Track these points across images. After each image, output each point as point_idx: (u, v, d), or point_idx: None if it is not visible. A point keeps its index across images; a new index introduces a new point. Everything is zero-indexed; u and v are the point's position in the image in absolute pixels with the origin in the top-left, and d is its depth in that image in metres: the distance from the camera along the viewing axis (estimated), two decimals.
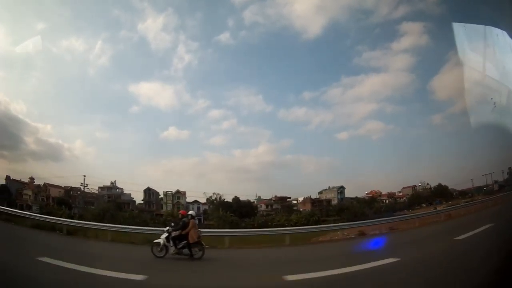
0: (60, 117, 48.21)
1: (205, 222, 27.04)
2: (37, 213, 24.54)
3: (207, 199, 33.72)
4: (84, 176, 29.67)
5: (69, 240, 14.19)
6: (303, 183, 43.40)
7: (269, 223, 24.15)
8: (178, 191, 30.01)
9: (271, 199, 34.69)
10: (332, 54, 44.83)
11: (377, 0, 41.40)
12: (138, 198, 34.08)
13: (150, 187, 32.95)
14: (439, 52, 35.86)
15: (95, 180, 37.43)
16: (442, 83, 38.90)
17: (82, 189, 30.61)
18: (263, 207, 32.02)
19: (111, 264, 8.28)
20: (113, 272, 6.90)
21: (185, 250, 9.51)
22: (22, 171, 39.75)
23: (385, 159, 42.58)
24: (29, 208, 31.50)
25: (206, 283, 7.09)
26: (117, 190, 34.90)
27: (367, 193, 38.13)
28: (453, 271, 6.44)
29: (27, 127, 40.98)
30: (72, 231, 15.58)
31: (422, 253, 8.88)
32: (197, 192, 32.98)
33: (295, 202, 34.20)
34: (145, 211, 29.29)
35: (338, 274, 6.72)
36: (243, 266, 9.78)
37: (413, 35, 42.09)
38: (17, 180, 35.04)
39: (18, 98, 44.99)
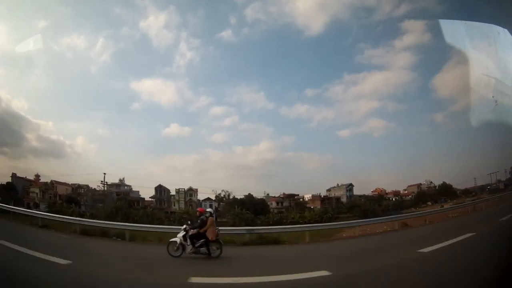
0: (62, 114, 48.22)
1: (217, 220, 26.95)
2: (46, 212, 24.17)
3: (216, 196, 33.83)
4: (104, 174, 29.27)
5: (90, 241, 13.62)
6: (305, 180, 43.93)
7: (284, 220, 24.25)
8: (190, 188, 29.95)
9: (279, 196, 34.92)
10: (334, 52, 45.40)
11: None
12: (144, 195, 34.32)
13: (150, 184, 33.18)
14: (441, 50, 36.11)
15: (98, 177, 37.56)
16: (444, 81, 39.54)
17: (103, 187, 30.14)
18: (274, 204, 32.19)
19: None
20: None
21: (203, 249, 9.20)
22: (23, 168, 39.45)
23: (387, 157, 43.48)
24: (36, 206, 31.12)
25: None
26: (126, 187, 34.75)
27: (372, 191, 38.74)
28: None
29: (28, 124, 40.93)
30: (85, 231, 15.06)
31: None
32: (199, 188, 33.23)
33: (301, 199, 34.43)
34: (156, 208, 29.12)
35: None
36: (264, 263, 9.27)
37: (415, 33, 43.11)
38: (22, 178, 34.71)
39: (19, 96, 44.78)
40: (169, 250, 9.25)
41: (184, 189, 29.69)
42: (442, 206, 28.19)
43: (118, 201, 28.50)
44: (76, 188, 34.99)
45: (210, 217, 9.49)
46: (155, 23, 48.03)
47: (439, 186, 37.68)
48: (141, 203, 31.68)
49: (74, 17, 44.47)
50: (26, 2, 40.18)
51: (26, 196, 32.46)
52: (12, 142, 38.21)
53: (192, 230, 9.34)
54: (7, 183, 33.01)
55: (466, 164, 43.31)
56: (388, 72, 43.59)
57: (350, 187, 34.59)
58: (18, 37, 38.44)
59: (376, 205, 30.90)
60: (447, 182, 37.74)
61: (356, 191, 36.41)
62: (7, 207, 19.99)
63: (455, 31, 11.56)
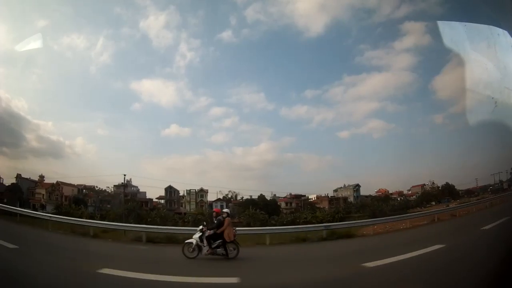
0: (62, 115, 48.10)
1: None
2: (53, 214, 23.80)
3: (223, 197, 33.84)
4: (125, 175, 28.96)
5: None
6: (305, 181, 44.12)
7: (297, 220, 24.44)
8: (201, 189, 29.89)
9: (286, 197, 35.13)
10: (334, 53, 45.55)
11: None
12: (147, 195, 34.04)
13: (149, 184, 33.04)
14: (441, 52, 36.50)
15: (97, 177, 37.36)
16: (443, 82, 40.08)
17: (124, 188, 29.81)
18: (283, 204, 32.36)
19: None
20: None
21: (219, 250, 9.08)
22: (23, 168, 39.11)
23: (387, 158, 43.54)
24: (43, 208, 30.64)
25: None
26: (133, 188, 34.48)
27: (376, 191, 39.27)
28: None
29: (28, 124, 40.67)
30: (99, 233, 14.98)
31: None
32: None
33: (310, 200, 34.70)
34: (166, 209, 28.99)
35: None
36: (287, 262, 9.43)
37: (415, 34, 43.12)
38: (26, 178, 34.14)
39: (19, 95, 44.22)
40: (184, 251, 9.11)
41: (195, 190, 29.65)
42: (448, 206, 28.84)
43: (130, 202, 28.19)
44: (82, 189, 34.61)
45: (227, 218, 9.43)
46: (155, 23, 48.16)
47: (442, 186, 38.41)
48: (149, 204, 31.44)
49: (74, 17, 44.14)
50: (26, 1, 39.68)
51: (31, 197, 31.95)
52: (11, 142, 37.69)
53: (208, 231, 9.24)
54: (12, 184, 32.45)
55: (466, 165, 43.98)
56: (388, 73, 43.78)
57: (357, 187, 35.01)
58: (18, 37, 38.20)
59: (384, 205, 31.29)
60: (450, 183, 38.63)
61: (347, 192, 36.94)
62: (14, 209, 19.77)
63: (455, 32, 11.71)
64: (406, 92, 43.76)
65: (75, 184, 34.59)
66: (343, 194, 35.09)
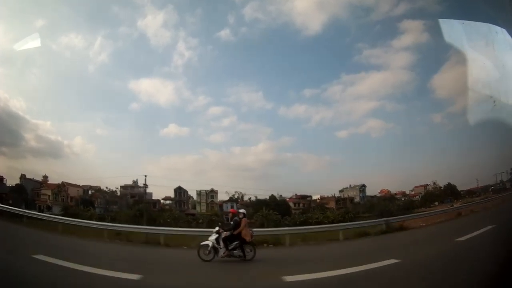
0: (60, 114, 47.48)
1: None
2: (61, 215, 23.40)
3: (230, 198, 33.84)
4: (145, 176, 28.68)
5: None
6: (304, 181, 44.27)
7: (310, 221, 24.66)
8: (212, 190, 29.81)
9: (292, 197, 35.32)
10: (333, 52, 45.44)
11: None
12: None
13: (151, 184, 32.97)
14: (440, 50, 35.58)
15: (96, 178, 37.05)
16: (442, 81, 40.01)
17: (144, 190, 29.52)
18: (292, 205, 32.50)
19: None
20: None
21: (236, 252, 8.88)
22: (21, 168, 38.72)
23: (385, 157, 43.67)
24: (49, 209, 30.18)
25: None
26: (140, 188, 34.25)
27: (379, 192, 39.77)
28: None
29: (27, 124, 40.34)
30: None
31: None
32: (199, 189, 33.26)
33: (317, 200, 34.98)
34: (178, 210, 28.87)
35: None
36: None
37: (413, 32, 42.84)
38: (30, 179, 33.61)
39: (18, 95, 43.69)
40: (200, 254, 8.84)
41: (205, 190, 29.58)
42: (452, 205, 29.45)
43: (141, 203, 27.97)
44: (88, 189, 34.20)
45: (244, 218, 9.26)
46: (153, 22, 47.48)
47: (444, 186, 39.10)
48: (157, 205, 31.26)
49: (72, 16, 43.75)
50: (24, 1, 39.30)
51: (37, 198, 31.44)
52: (10, 142, 37.35)
53: (225, 232, 9.03)
54: (17, 185, 31.90)
55: (465, 164, 44.49)
56: (386, 72, 43.52)
57: (363, 188, 35.40)
58: (16, 36, 37.91)
59: (391, 205, 31.78)
60: (452, 183, 39.30)
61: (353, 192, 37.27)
62: (20, 210, 19.39)
63: (453, 31, 11.61)
64: (405, 91, 43.69)
65: (80, 185, 34.28)
66: (349, 195, 35.42)
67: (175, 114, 45.50)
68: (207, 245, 8.92)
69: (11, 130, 37.80)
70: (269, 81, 47.41)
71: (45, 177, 34.60)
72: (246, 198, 34.38)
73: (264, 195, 32.20)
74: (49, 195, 30.98)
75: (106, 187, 32.11)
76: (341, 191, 36.56)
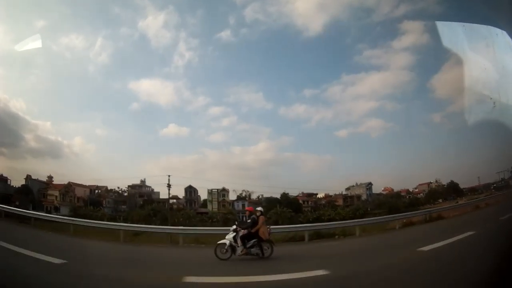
0: (60, 115, 46.79)
1: None
2: (70, 216, 23.04)
3: (238, 196, 33.91)
4: (169, 176, 28.49)
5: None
6: (304, 180, 44.59)
7: (322, 217, 24.94)
8: (223, 189, 29.82)
9: (298, 195, 35.56)
10: (333, 52, 45.41)
11: None
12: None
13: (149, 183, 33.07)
14: (440, 51, 34.62)
15: (94, 176, 36.83)
16: (442, 81, 40.19)
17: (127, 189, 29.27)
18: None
19: None
20: None
21: (254, 250, 8.89)
22: (21, 168, 38.46)
23: (385, 157, 44.33)
24: (56, 210, 29.75)
25: None
26: (147, 188, 34.07)
27: (383, 189, 40.32)
28: None
29: (27, 124, 40.06)
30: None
31: None
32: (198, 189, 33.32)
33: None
34: (191, 210, 28.81)
35: None
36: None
37: (413, 33, 43.96)
38: (35, 179, 33.08)
39: (18, 96, 43.39)
40: (217, 253, 8.80)
41: (217, 189, 29.59)
42: (457, 202, 30.09)
43: (154, 203, 27.79)
44: (95, 189, 33.82)
45: (261, 216, 9.28)
46: (154, 23, 47.12)
47: (447, 184, 39.89)
48: (166, 204, 31.07)
49: (73, 17, 43.57)
50: (24, 2, 39.00)
51: (44, 199, 30.93)
52: (10, 142, 36.94)
53: (243, 231, 9.01)
54: (22, 185, 31.38)
55: (464, 164, 45.15)
56: (386, 72, 43.71)
57: (369, 185, 35.83)
58: (16, 37, 37.54)
59: (399, 202, 32.29)
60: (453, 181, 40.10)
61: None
62: (28, 212, 19.08)
63: (453, 32, 11.71)
64: (405, 91, 43.83)
65: (87, 185, 33.91)
66: (356, 192, 35.81)
67: (175, 114, 45.23)
68: (224, 243, 8.89)
69: (11, 130, 37.46)
70: (269, 82, 47.30)
71: (50, 177, 34.14)
72: (253, 196, 34.77)
73: (268, 193, 32.71)
74: (56, 196, 30.52)
75: (118, 187, 31.74)
76: (347, 189, 36.92)
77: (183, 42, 46.52)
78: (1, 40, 37.29)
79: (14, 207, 23.64)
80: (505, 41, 7.84)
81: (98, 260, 9.08)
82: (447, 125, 43.35)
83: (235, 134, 43.59)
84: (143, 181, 33.60)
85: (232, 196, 33.10)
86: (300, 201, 32.96)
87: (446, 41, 12.87)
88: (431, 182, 40.46)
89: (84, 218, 19.15)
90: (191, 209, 29.37)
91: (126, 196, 31.90)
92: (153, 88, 47.29)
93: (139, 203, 30.80)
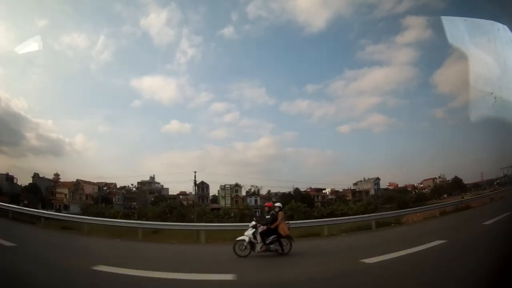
0: (62, 113, 47.38)
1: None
2: (80, 215, 22.74)
3: (247, 192, 33.97)
4: (195, 172, 28.31)
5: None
6: (306, 175, 44.93)
7: (336, 212, 25.15)
8: (237, 184, 29.82)
9: (306, 191, 35.73)
10: (336, 48, 45.98)
11: None
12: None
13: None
14: (442, 45, 34.80)
15: (95, 173, 36.67)
16: (444, 76, 40.67)
17: (136, 186, 29.06)
18: None
19: None
20: None
21: (273, 246, 8.69)
22: (22, 166, 38.20)
23: (387, 152, 44.29)
24: (66, 208, 29.40)
25: None
26: (156, 184, 33.93)
27: (388, 184, 40.76)
28: None
29: (28, 123, 39.84)
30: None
31: None
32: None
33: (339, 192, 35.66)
34: (206, 206, 28.75)
35: None
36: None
37: (416, 29, 45.10)
38: (43, 178, 32.67)
39: (19, 95, 43.07)
40: (235, 249, 8.55)
41: (230, 185, 29.60)
42: (463, 197, 30.63)
43: (169, 199, 27.66)
44: (103, 187, 33.52)
45: (280, 212, 9.09)
46: (157, 20, 47.64)
47: (451, 180, 40.47)
48: (177, 200, 30.99)
49: (75, 15, 43.67)
50: (26, 1, 38.65)
51: (52, 197, 30.56)
52: (11, 141, 36.70)
53: (262, 227, 8.80)
54: (30, 184, 30.97)
55: (467, 159, 45.88)
56: (389, 68, 44.72)
57: (377, 180, 36.24)
58: (18, 36, 37.34)
59: (407, 197, 32.74)
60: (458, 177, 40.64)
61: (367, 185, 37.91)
62: (37, 211, 18.69)
63: (455, 27, 11.59)
64: (407, 87, 44.42)
65: (95, 182, 33.61)
66: (364, 187, 36.18)
67: (177, 111, 45.70)
68: (243, 240, 8.66)
69: (13, 129, 37.24)
70: (271, 77, 48.35)
71: (57, 175, 33.81)
72: (262, 192, 34.83)
73: (274, 188, 33.06)
74: (65, 194, 30.18)
75: (132, 184, 31.52)
76: (355, 184, 37.32)
77: (185, 39, 47.38)
78: (2, 39, 36.96)
79: (23, 206, 23.40)
80: (506, 36, 7.78)
81: (152, 263, 8.54)
82: (449, 120, 44.03)
83: (237, 130, 44.11)
84: (152, 178, 33.44)
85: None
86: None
87: (448, 37, 12.58)
88: (436, 178, 41.12)
89: (98, 216, 18.94)
90: (202, 205, 29.27)
91: (136, 193, 31.67)
92: (155, 85, 48.07)
93: (150, 199, 30.62)
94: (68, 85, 44.31)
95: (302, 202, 26.45)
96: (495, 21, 8.25)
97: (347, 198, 32.76)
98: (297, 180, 43.96)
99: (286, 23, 44.51)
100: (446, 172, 39.27)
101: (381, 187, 38.76)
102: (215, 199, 32.39)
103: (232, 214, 24.19)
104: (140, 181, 32.72)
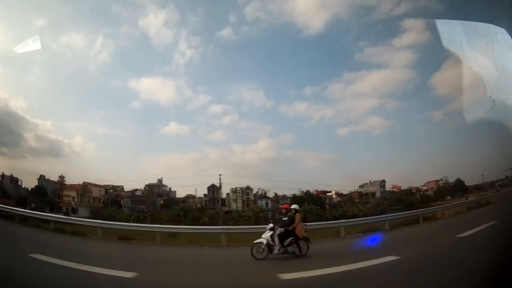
0: (60, 114, 46.55)
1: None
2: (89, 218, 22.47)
3: (254, 195, 33.98)
4: (220, 175, 28.34)
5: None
6: (305, 178, 45.16)
7: (347, 214, 25.38)
8: (248, 187, 29.83)
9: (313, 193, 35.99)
10: (334, 50, 45.60)
11: None
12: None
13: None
14: (440, 48, 36.27)
15: (95, 176, 36.41)
16: (443, 79, 40.26)
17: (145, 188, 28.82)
18: None
19: None
20: None
21: (291, 248, 8.82)
22: (21, 168, 37.85)
23: (386, 155, 44.81)
24: (74, 212, 28.99)
25: None
26: (164, 187, 33.75)
27: (391, 187, 41.29)
28: None
29: (27, 123, 39.62)
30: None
31: None
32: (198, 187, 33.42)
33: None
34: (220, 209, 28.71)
35: None
36: None
37: (414, 31, 43.66)
38: (48, 180, 32.17)
39: (18, 95, 42.67)
40: (253, 252, 8.60)
41: (241, 188, 29.58)
42: (467, 199, 31.29)
43: (182, 202, 27.52)
44: (110, 189, 33.16)
45: (297, 214, 9.23)
46: (155, 21, 46.78)
47: (454, 182, 41.19)
48: (187, 203, 30.86)
49: (73, 16, 42.72)
50: (24, 1, 38.36)
51: (59, 200, 30.07)
52: (10, 141, 36.31)
53: (280, 229, 8.91)
54: (36, 186, 30.43)
55: (467, 161, 46.51)
56: (387, 70, 44.01)
57: (383, 183, 36.66)
58: (16, 36, 36.81)
59: (413, 198, 33.27)
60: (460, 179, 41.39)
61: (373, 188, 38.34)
62: (46, 215, 18.50)
63: (453, 31, 11.73)
64: (406, 89, 44.66)
65: (102, 185, 33.28)
66: (370, 190, 36.57)
67: (176, 113, 45.23)
68: (261, 242, 8.74)
69: (11, 130, 36.95)
70: (270, 80, 47.37)
71: (62, 177, 33.31)
72: (268, 194, 34.93)
73: (274, 190, 33.42)
74: (73, 197, 29.76)
75: (145, 186, 31.27)
76: (361, 186, 37.68)
77: (184, 40, 46.47)
78: (1, 39, 36.49)
79: (30, 209, 23.00)
80: (504, 39, 7.83)
81: (189, 267, 8.74)
82: (448, 123, 43.56)
83: (236, 132, 43.90)
84: (160, 180, 33.26)
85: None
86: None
87: (446, 40, 12.79)
88: (439, 180, 41.81)
89: (109, 220, 18.72)
90: (211, 208, 29.25)
91: (145, 196, 31.44)
92: (154, 87, 47.83)
93: (159, 202, 30.43)
94: (66, 86, 43.80)
95: (314, 204, 26.64)
96: (493, 23, 8.43)
97: (356, 201, 33.04)
98: (297, 182, 44.23)
99: (285, 25, 44.24)
100: (446, 174, 39.92)
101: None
102: (223, 201, 32.37)
103: (246, 217, 24.20)
104: (148, 183, 32.50)
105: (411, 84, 44.79)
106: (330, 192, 37.76)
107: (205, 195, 32.79)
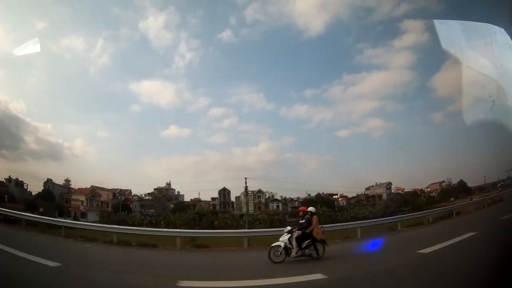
0: (61, 116, 45.58)
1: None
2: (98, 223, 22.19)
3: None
4: (246, 178, 28.12)
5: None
6: (305, 180, 44.68)
7: (358, 216, 25.77)
8: (259, 190, 29.87)
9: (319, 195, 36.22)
10: (334, 52, 45.52)
11: None
12: None
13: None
14: (440, 49, 36.06)
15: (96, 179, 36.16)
16: (443, 80, 39.99)
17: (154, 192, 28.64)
18: None
19: None
20: None
21: (308, 250, 8.87)
22: (21, 171, 37.34)
23: (387, 157, 44.02)
24: (83, 216, 28.67)
25: None
26: (172, 191, 33.60)
27: (395, 189, 41.77)
28: None
29: (27, 126, 39.24)
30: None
31: None
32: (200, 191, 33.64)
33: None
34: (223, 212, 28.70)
35: None
36: None
37: (414, 32, 43.28)
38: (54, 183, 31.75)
39: (18, 98, 42.19)
40: (270, 255, 8.64)
41: (253, 191, 29.65)
42: (471, 199, 31.90)
43: (195, 206, 27.41)
44: (118, 193, 32.87)
45: (314, 216, 9.28)
46: (155, 24, 46.47)
47: (457, 183, 41.83)
48: (197, 207, 30.79)
49: (73, 18, 42.35)
50: (24, 3, 38.15)
51: (67, 204, 29.68)
52: (10, 144, 36.02)
53: (297, 231, 8.97)
54: (43, 190, 30.01)
55: (468, 163, 46.73)
56: (387, 72, 43.56)
57: (389, 185, 37.10)
58: (16, 39, 36.48)
59: (420, 200, 33.81)
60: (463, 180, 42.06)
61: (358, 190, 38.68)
62: (57, 220, 18.35)
63: (453, 31, 11.79)
64: (406, 91, 44.20)
65: (109, 188, 33.00)
66: (377, 192, 36.97)
67: (176, 116, 44.49)
68: (279, 245, 8.77)
69: (12, 133, 36.64)
70: (270, 82, 47.51)
71: (68, 181, 32.94)
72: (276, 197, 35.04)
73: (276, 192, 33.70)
74: (82, 201, 29.42)
75: (154, 189, 31.03)
76: (367, 188, 38.07)
77: (184, 42, 45.45)
78: (1, 41, 36.07)
79: (38, 214, 22.68)
80: (503, 39, 7.97)
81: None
82: (448, 124, 43.49)
83: (236, 135, 43.52)
84: (168, 184, 33.11)
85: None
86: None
87: (445, 40, 12.91)
88: (442, 182, 42.41)
89: (121, 225, 18.72)
90: (222, 211, 29.24)
91: (154, 200, 31.25)
92: (154, 90, 47.93)
93: (169, 206, 30.28)
94: (66, 89, 43.23)
95: (326, 206, 26.85)
96: (493, 24, 8.56)
97: (364, 203, 33.40)
98: (299, 183, 44.22)
99: (284, 27, 43.82)
100: (448, 176, 40.28)
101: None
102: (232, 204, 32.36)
103: (262, 220, 24.26)
104: (156, 187, 32.33)
105: (411, 86, 44.97)
106: (336, 194, 38.19)
107: (212, 198, 33.03)
